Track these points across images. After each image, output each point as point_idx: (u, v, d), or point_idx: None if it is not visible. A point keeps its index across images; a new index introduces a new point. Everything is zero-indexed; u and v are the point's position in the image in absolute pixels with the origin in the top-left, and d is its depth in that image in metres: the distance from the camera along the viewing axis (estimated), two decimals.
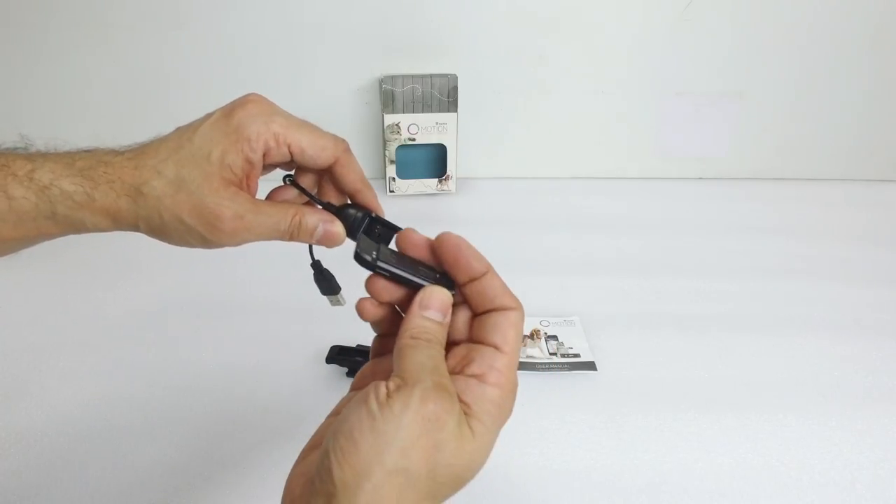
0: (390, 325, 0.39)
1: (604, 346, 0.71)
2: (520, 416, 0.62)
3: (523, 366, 0.68)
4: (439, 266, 0.38)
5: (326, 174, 0.45)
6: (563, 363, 0.68)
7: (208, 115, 0.42)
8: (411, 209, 0.98)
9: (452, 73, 0.96)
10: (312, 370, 0.66)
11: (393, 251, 0.38)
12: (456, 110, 0.97)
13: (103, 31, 0.92)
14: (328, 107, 1.00)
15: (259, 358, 0.68)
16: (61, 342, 0.70)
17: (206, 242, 0.41)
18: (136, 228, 0.41)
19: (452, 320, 0.37)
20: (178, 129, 0.43)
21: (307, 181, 0.45)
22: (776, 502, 0.55)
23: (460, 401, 0.33)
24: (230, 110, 0.42)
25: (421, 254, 0.38)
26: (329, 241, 0.43)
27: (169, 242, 0.42)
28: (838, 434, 0.61)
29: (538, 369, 0.68)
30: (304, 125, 0.43)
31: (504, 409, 0.34)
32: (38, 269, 0.80)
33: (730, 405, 0.64)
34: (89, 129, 0.99)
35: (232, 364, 0.68)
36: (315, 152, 0.42)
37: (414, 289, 0.36)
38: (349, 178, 0.44)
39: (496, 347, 0.34)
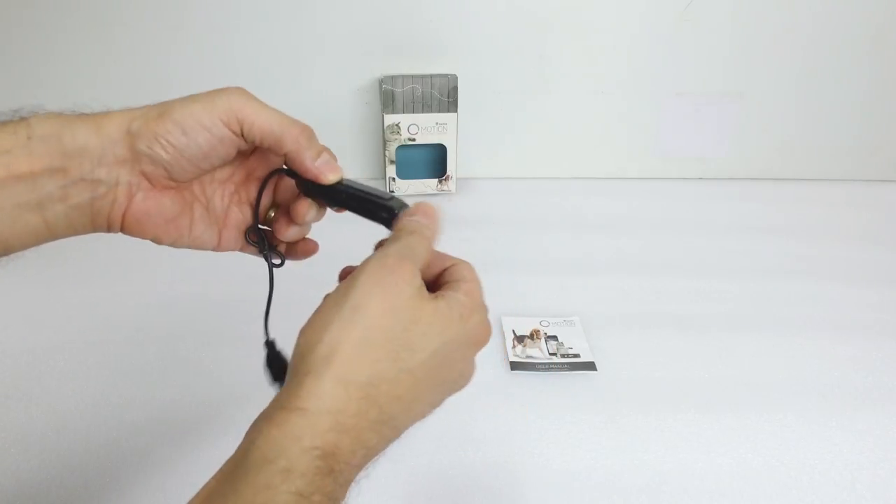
0: None
1: (604, 347, 0.71)
2: (520, 416, 0.63)
3: (523, 366, 0.68)
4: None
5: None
6: (563, 363, 0.68)
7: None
8: None
9: (452, 73, 0.96)
10: None
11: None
12: (456, 110, 0.97)
13: (103, 30, 0.92)
14: (328, 107, 1.00)
15: (260, 358, 0.68)
16: (61, 342, 0.70)
17: (217, 117, 0.38)
18: (125, 133, 0.37)
19: None
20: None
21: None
22: (776, 502, 0.55)
23: (435, 294, 0.36)
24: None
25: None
26: (328, 169, 0.41)
27: (165, 138, 0.37)
28: (838, 434, 0.61)
29: (538, 369, 0.68)
30: (270, 112, 0.41)
31: (472, 314, 0.36)
32: (38, 270, 0.80)
33: (730, 405, 0.64)
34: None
35: (232, 364, 0.68)
36: (275, 139, 0.40)
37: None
38: (254, 134, 0.40)
39: (459, 279, 0.37)
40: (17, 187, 0.35)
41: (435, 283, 0.39)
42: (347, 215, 0.43)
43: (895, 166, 1.08)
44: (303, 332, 0.34)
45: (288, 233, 0.44)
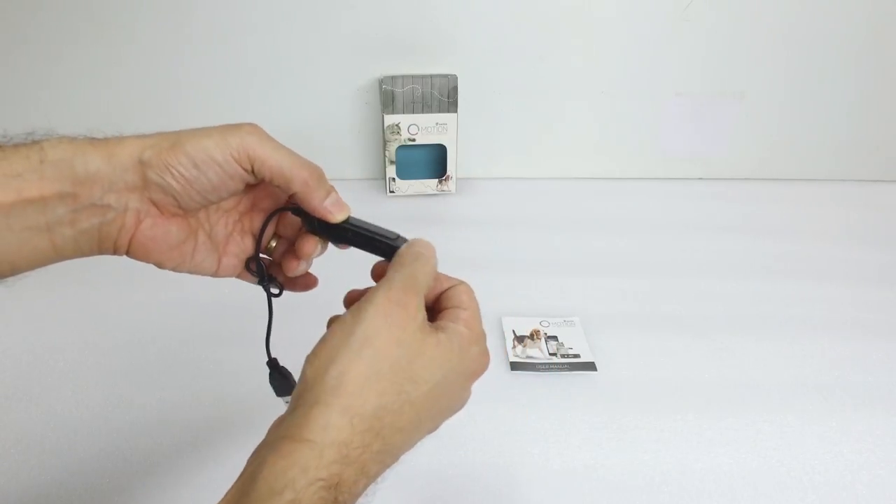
0: None
1: (604, 347, 0.71)
2: (520, 416, 0.63)
3: (523, 366, 0.68)
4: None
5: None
6: (563, 363, 0.68)
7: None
8: (411, 210, 0.98)
9: (452, 73, 0.96)
10: None
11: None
12: (456, 111, 0.97)
13: (102, 30, 0.92)
14: (328, 107, 1.00)
15: (260, 358, 0.68)
16: (61, 343, 0.70)
17: (228, 154, 0.38)
18: (136, 162, 0.36)
19: None
20: None
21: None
22: (776, 502, 0.55)
23: (436, 326, 0.37)
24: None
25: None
26: (337, 209, 0.41)
27: (175, 170, 0.37)
28: (838, 434, 0.61)
29: (538, 369, 0.68)
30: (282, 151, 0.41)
31: (470, 345, 0.37)
32: (38, 271, 0.79)
33: (730, 405, 0.64)
34: (93, 131, 0.99)
35: (232, 364, 0.68)
36: (290, 170, 0.40)
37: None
38: (264, 173, 0.40)
39: (457, 307, 0.39)
40: (27, 210, 0.35)
41: (434, 307, 0.40)
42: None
43: (894, 166, 1.08)
44: (310, 360, 0.34)
45: (291, 267, 0.45)
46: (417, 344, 0.35)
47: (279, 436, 0.32)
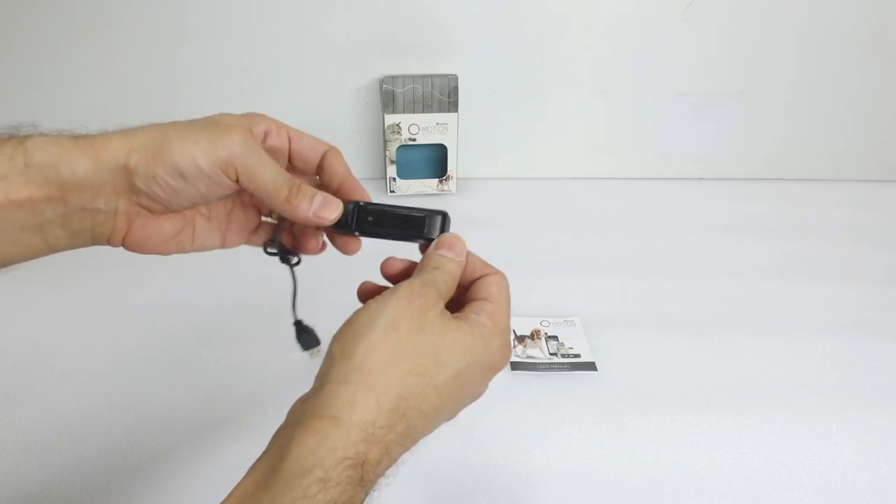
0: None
1: (604, 347, 0.71)
2: (520, 416, 0.63)
3: (524, 366, 0.68)
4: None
5: (317, 174, 0.45)
6: (563, 363, 0.68)
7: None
8: None
9: (453, 73, 0.96)
10: (311, 370, 0.66)
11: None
12: (456, 110, 0.97)
13: (101, 31, 0.92)
14: (328, 107, 1.00)
15: (260, 358, 0.68)
16: (62, 342, 0.70)
17: (213, 162, 0.37)
18: (122, 168, 0.36)
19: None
20: None
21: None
22: (776, 502, 0.55)
23: (458, 316, 0.38)
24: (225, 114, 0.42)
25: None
26: (327, 211, 0.41)
27: (163, 177, 0.37)
28: (838, 434, 0.61)
29: (538, 369, 0.68)
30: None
31: (493, 337, 0.38)
32: (38, 270, 0.79)
33: (730, 405, 0.64)
34: (91, 129, 1.00)
35: (232, 364, 0.68)
36: (308, 143, 0.44)
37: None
38: (338, 170, 0.44)
39: (485, 299, 0.39)
40: (16, 213, 0.35)
41: (464, 292, 0.41)
42: None
43: (894, 166, 1.08)
44: (337, 339, 0.35)
45: (310, 247, 0.46)
46: (439, 329, 0.35)
47: (307, 413, 0.32)
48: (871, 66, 0.99)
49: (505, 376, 0.67)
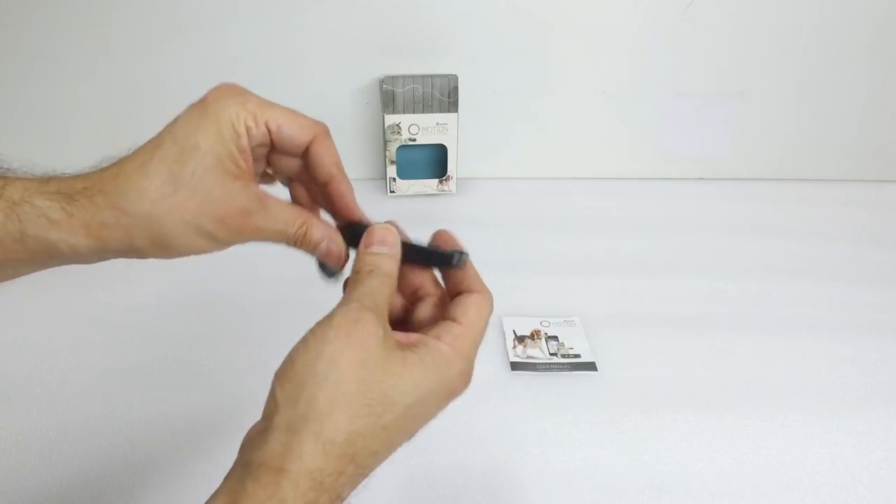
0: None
1: (604, 347, 0.71)
2: (520, 416, 0.63)
3: (524, 366, 0.68)
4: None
5: (304, 160, 0.42)
6: (563, 363, 0.68)
7: (181, 113, 0.40)
8: (412, 210, 0.98)
9: (453, 73, 0.96)
10: None
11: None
12: (456, 111, 0.97)
13: (100, 31, 0.92)
14: (328, 107, 1.00)
15: (260, 358, 0.68)
16: (61, 342, 0.70)
17: (214, 243, 0.39)
18: (127, 246, 0.37)
19: (422, 308, 0.40)
20: (155, 136, 0.40)
21: (286, 166, 0.43)
22: (776, 502, 0.55)
23: (405, 343, 0.35)
24: (203, 100, 0.39)
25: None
26: (329, 259, 0.42)
27: (167, 254, 0.38)
28: (838, 434, 0.61)
29: (538, 370, 0.68)
30: (280, 106, 0.41)
31: (450, 365, 0.35)
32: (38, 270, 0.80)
33: (730, 405, 0.64)
34: (88, 127, 1.00)
35: (232, 364, 0.68)
36: (293, 129, 0.40)
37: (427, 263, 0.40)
38: (325, 161, 0.41)
39: (454, 320, 0.37)
40: (14, 265, 0.37)
41: (442, 304, 0.39)
42: None
43: (895, 166, 1.08)
44: (280, 381, 0.34)
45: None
46: (382, 362, 0.33)
47: (256, 461, 0.32)
48: (871, 66, 0.99)
49: (505, 376, 0.67)
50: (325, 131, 0.42)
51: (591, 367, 0.68)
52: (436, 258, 0.39)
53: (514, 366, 0.68)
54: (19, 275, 0.39)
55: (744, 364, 0.69)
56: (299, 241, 0.41)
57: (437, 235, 0.41)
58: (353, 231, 0.41)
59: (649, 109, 1.02)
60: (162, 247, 0.38)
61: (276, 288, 0.78)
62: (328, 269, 0.43)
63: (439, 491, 0.55)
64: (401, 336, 0.36)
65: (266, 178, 0.44)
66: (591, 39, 0.97)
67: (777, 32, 0.96)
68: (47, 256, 0.37)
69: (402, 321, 0.41)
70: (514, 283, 0.80)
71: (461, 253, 0.39)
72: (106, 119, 0.98)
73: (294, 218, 0.41)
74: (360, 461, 0.33)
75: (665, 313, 0.77)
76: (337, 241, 0.42)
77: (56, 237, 0.36)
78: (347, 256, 0.43)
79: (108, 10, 0.91)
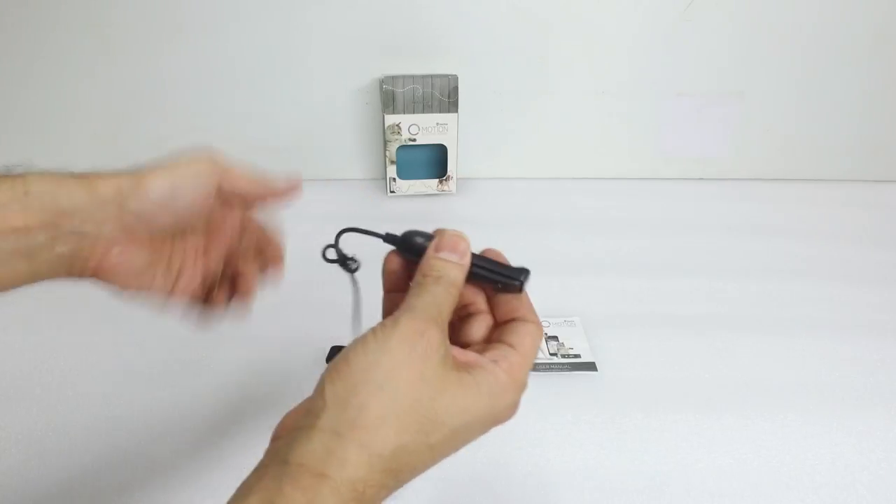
0: (401, 282, 0.40)
1: (604, 347, 0.71)
2: (520, 417, 0.62)
3: None
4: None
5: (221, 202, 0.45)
6: (563, 363, 0.68)
7: None
8: (412, 210, 0.98)
9: (453, 73, 0.96)
10: (313, 370, 0.65)
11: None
12: (456, 111, 0.97)
13: (99, 32, 0.92)
14: (329, 107, 1.00)
15: (259, 358, 0.69)
16: (62, 342, 0.70)
17: (195, 197, 0.42)
18: (117, 194, 0.39)
19: (473, 325, 0.39)
20: None
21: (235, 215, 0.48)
22: (776, 502, 0.55)
23: (462, 362, 0.35)
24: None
25: None
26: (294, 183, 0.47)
27: (146, 207, 0.40)
28: (839, 434, 0.61)
29: (538, 370, 0.68)
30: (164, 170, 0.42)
31: (505, 394, 0.35)
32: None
33: (730, 405, 0.64)
34: (88, 127, 1.00)
35: (232, 364, 0.68)
36: (183, 189, 0.42)
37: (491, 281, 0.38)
38: (238, 186, 0.44)
39: (511, 346, 0.36)
40: (10, 238, 0.37)
41: (493, 331, 0.39)
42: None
43: (895, 166, 1.08)
44: (331, 378, 0.33)
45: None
46: (439, 381, 0.33)
47: (295, 460, 0.30)
48: (871, 66, 0.99)
49: None
50: (210, 159, 0.43)
51: (591, 367, 0.68)
52: (501, 275, 0.38)
53: None
54: (9, 278, 0.39)
55: (744, 364, 0.69)
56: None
57: (488, 252, 0.40)
58: (412, 239, 0.39)
59: (649, 109, 1.02)
60: (150, 178, 0.40)
61: (276, 289, 0.77)
62: (348, 265, 0.43)
63: (439, 491, 0.55)
64: (458, 353, 0.35)
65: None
66: (591, 39, 0.97)
67: (777, 32, 0.96)
68: (40, 224, 0.37)
69: (450, 333, 0.39)
70: None
71: (527, 271, 0.38)
72: (106, 119, 0.98)
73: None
74: (401, 477, 0.32)
75: (665, 313, 0.77)
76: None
77: (55, 189, 0.38)
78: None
79: (107, 11, 0.91)
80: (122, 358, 0.68)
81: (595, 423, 0.62)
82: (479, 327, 0.39)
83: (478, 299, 0.40)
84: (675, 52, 0.97)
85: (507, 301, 0.38)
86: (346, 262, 0.43)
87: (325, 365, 0.69)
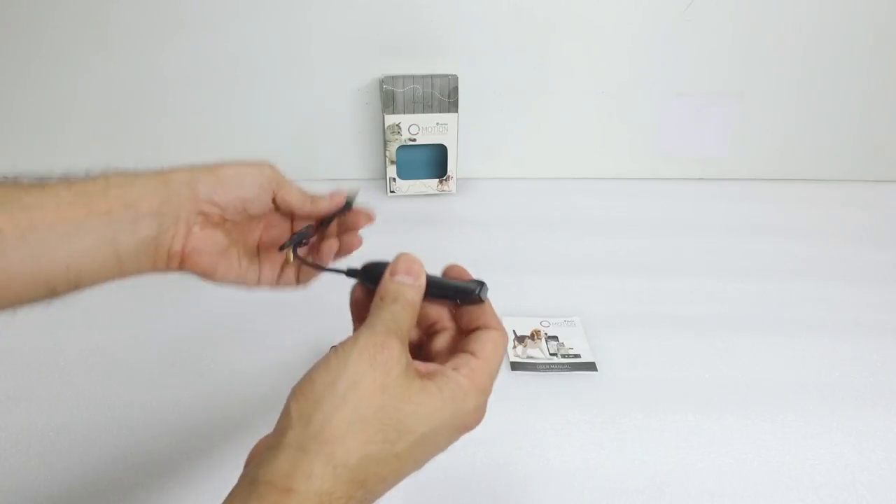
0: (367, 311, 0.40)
1: (604, 347, 0.71)
2: (520, 417, 0.63)
3: (524, 366, 0.68)
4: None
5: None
6: (563, 363, 0.68)
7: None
8: (412, 210, 0.98)
9: (453, 73, 0.96)
10: None
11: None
12: (456, 111, 0.97)
13: (99, 31, 0.92)
14: (329, 107, 1.00)
15: (259, 359, 0.69)
16: (62, 342, 0.70)
17: (257, 193, 0.45)
18: (190, 182, 0.43)
19: (438, 341, 0.41)
20: None
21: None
22: (776, 502, 0.55)
23: (425, 372, 0.36)
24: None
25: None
26: (338, 198, 0.51)
27: (218, 193, 0.43)
28: (838, 434, 0.61)
29: (538, 370, 0.68)
30: (223, 170, 0.45)
31: (467, 398, 0.36)
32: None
33: (730, 405, 0.64)
34: (87, 126, 1.00)
35: (232, 365, 0.68)
36: (242, 197, 0.45)
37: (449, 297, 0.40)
38: (290, 199, 0.47)
39: (471, 353, 0.37)
40: (96, 223, 0.39)
41: (457, 338, 0.40)
42: None
43: (894, 166, 1.08)
44: (295, 397, 0.34)
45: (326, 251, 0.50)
46: (402, 390, 0.33)
47: (263, 478, 0.31)
48: (871, 66, 0.99)
49: (505, 376, 0.67)
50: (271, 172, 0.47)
51: (591, 367, 0.68)
52: (458, 291, 0.39)
53: (515, 366, 0.68)
54: (79, 271, 0.41)
55: (744, 364, 0.69)
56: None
57: (450, 269, 0.41)
58: (375, 269, 0.40)
59: (649, 109, 1.02)
60: (220, 174, 0.44)
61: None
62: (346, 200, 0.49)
63: (439, 491, 0.55)
64: (420, 365, 0.36)
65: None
66: (591, 39, 0.97)
67: (777, 32, 0.96)
68: (120, 211, 0.41)
69: (416, 353, 0.40)
70: (514, 282, 0.80)
71: (482, 284, 0.39)
72: (104, 118, 0.98)
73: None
74: (369, 487, 0.33)
75: (665, 313, 0.77)
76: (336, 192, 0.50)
77: (132, 181, 0.42)
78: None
79: (106, 9, 0.91)
80: (123, 358, 0.68)
81: (595, 423, 0.62)
82: (442, 341, 0.40)
83: (442, 316, 0.41)
84: (675, 52, 0.97)
85: (469, 311, 0.40)
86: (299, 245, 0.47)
87: None
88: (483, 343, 0.38)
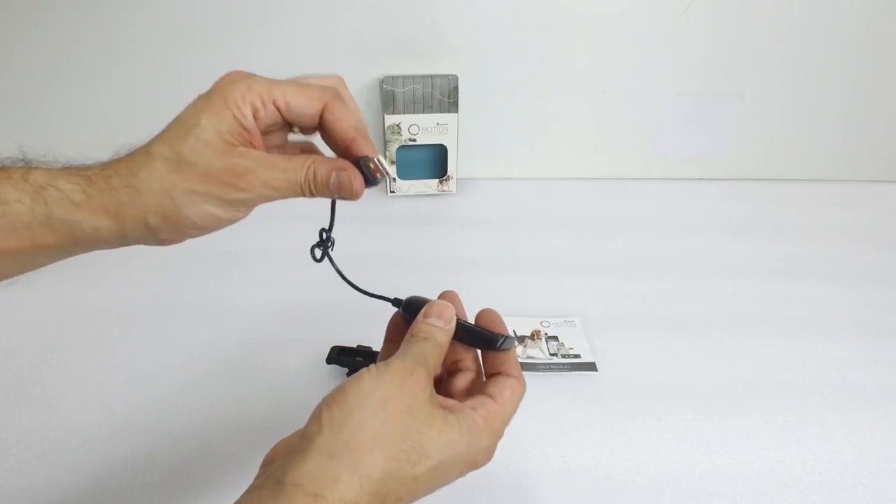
0: (399, 335, 0.43)
1: (604, 347, 0.71)
2: (520, 417, 0.62)
3: (524, 366, 0.68)
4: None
5: (321, 129, 0.43)
6: (563, 364, 0.68)
7: (191, 102, 0.41)
8: (412, 210, 0.98)
9: (453, 73, 0.96)
10: (313, 371, 0.66)
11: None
12: (457, 111, 0.97)
13: (105, 30, 0.92)
14: None
15: (259, 359, 0.69)
16: (61, 342, 0.70)
17: (227, 208, 0.39)
18: (143, 225, 0.38)
19: (459, 379, 0.43)
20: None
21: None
22: (776, 502, 0.55)
23: (445, 406, 0.38)
24: (211, 87, 0.41)
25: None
26: (345, 191, 0.41)
27: (186, 230, 0.39)
28: (839, 435, 0.61)
29: (539, 370, 0.68)
30: (288, 81, 0.42)
31: (481, 437, 0.37)
32: (38, 270, 0.79)
33: (730, 406, 0.64)
34: (93, 129, 0.99)
35: (232, 365, 0.68)
36: (300, 103, 0.41)
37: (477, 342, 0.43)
38: (339, 126, 0.41)
39: (490, 396, 0.39)
40: (44, 251, 0.39)
41: (476, 381, 0.43)
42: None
43: (894, 166, 1.08)
44: (328, 405, 0.35)
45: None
46: (426, 416, 0.35)
47: (290, 481, 0.32)
48: (868, 66, 0.99)
49: None
50: (335, 95, 0.41)
51: (591, 367, 0.68)
52: (483, 340, 0.42)
53: None
54: (44, 263, 0.40)
55: (744, 364, 0.69)
56: (311, 185, 0.41)
57: (484, 313, 0.43)
58: (416, 302, 0.43)
59: (649, 110, 1.02)
60: (174, 221, 0.38)
61: (276, 290, 0.78)
62: (369, 179, 0.42)
63: (439, 491, 0.55)
64: (441, 399, 0.38)
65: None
66: (591, 39, 0.97)
67: (776, 32, 0.96)
68: (72, 241, 0.38)
69: (437, 388, 0.42)
70: (514, 283, 0.80)
71: (507, 337, 0.41)
72: (109, 120, 0.98)
73: (300, 163, 0.40)
74: (387, 503, 0.34)
75: (665, 313, 0.77)
76: (347, 169, 0.41)
77: (79, 219, 0.37)
78: (364, 184, 0.42)
79: (111, 13, 0.91)
80: (123, 358, 0.68)
81: (595, 423, 0.62)
82: (463, 381, 0.43)
83: (467, 357, 0.43)
84: (675, 52, 0.98)
85: (493, 356, 0.42)
86: (367, 179, 0.42)
87: (325, 365, 0.69)
88: (502, 389, 0.40)
